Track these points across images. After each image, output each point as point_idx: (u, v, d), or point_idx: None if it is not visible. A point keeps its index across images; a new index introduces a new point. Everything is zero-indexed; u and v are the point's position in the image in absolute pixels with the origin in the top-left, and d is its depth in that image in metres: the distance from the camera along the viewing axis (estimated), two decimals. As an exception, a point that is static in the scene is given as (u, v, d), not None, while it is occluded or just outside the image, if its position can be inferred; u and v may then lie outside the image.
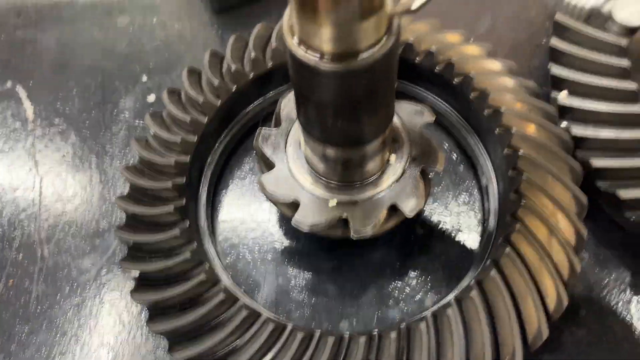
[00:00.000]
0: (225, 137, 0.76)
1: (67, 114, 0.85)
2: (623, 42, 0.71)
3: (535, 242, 0.60)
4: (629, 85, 0.69)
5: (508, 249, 0.59)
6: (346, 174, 0.62)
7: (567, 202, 0.63)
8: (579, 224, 0.62)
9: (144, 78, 0.87)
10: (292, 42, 0.47)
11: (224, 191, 0.76)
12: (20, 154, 0.82)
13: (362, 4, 0.40)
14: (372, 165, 0.62)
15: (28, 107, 0.85)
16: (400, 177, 0.63)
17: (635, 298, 0.66)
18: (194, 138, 0.70)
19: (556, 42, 0.76)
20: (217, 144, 0.76)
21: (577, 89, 0.72)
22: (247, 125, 0.79)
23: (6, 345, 0.67)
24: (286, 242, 0.72)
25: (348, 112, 0.51)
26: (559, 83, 0.74)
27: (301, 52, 0.46)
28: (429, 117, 0.67)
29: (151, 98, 0.85)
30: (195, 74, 0.76)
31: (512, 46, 0.86)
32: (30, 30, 0.94)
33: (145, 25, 0.92)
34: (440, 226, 0.72)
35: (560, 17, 0.77)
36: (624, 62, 0.70)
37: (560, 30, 0.77)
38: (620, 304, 0.66)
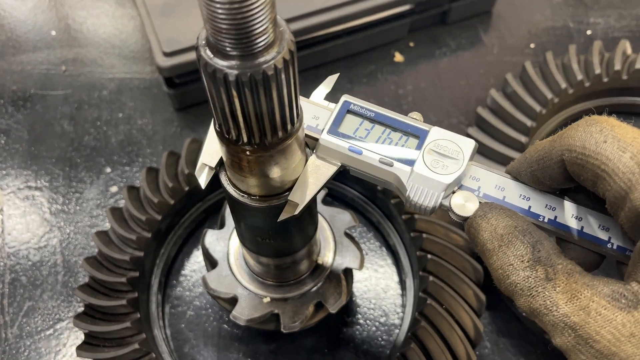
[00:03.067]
0: (178, 230, 0.86)
1: (36, 203, 0.93)
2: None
3: (438, 336, 0.71)
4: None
5: (413, 344, 0.69)
6: (278, 275, 0.72)
7: (469, 299, 0.74)
8: (476, 319, 0.73)
9: (108, 169, 0.96)
10: (224, 179, 0.57)
11: (174, 280, 0.85)
12: (-11, 239, 0.90)
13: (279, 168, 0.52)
14: (301, 267, 0.72)
15: (-1, 196, 0.94)
16: (327, 276, 0.74)
17: (527, 383, 0.76)
18: (148, 234, 0.79)
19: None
20: (170, 236, 0.85)
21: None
22: (198, 219, 0.89)
23: None
24: (228, 329, 0.81)
25: (276, 234, 0.62)
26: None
27: (231, 190, 0.56)
28: (353, 222, 0.78)
29: (114, 189, 0.95)
30: (153, 172, 0.86)
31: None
32: (3, 120, 1.03)
33: (112, 120, 1.02)
34: (364, 315, 0.82)
35: (472, 131, 0.91)
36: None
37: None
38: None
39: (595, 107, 0.97)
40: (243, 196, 0.56)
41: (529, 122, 0.87)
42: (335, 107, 0.58)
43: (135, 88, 1.07)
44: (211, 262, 0.76)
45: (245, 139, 0.48)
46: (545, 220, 0.53)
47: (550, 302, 0.44)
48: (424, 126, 0.57)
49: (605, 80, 0.93)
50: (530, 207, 0.54)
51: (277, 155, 0.51)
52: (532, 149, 0.53)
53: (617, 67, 0.92)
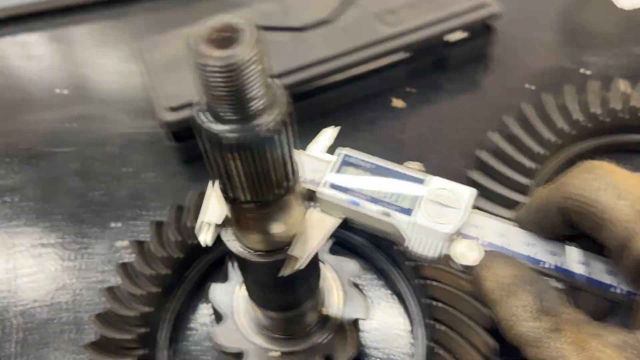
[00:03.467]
0: (185, 284, 0.86)
1: (46, 260, 0.94)
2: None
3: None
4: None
5: (423, 395, 0.69)
6: (286, 328, 0.72)
7: (479, 345, 0.74)
8: (487, 365, 0.72)
9: (116, 224, 0.98)
10: (226, 235, 0.58)
11: (182, 335, 0.85)
12: None
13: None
14: (307, 320, 0.72)
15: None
16: (334, 328, 0.74)
17: None
18: (157, 290, 0.80)
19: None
20: (176, 291, 0.86)
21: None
22: (204, 271, 0.89)
23: None
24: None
25: (281, 288, 0.62)
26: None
27: (234, 246, 0.57)
28: (358, 271, 0.78)
29: (121, 243, 0.96)
30: (159, 226, 0.87)
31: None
32: (15, 177, 1.06)
33: (119, 175, 1.04)
34: (373, 364, 0.81)
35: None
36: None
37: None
38: None
39: (598, 145, 0.98)
40: (246, 251, 0.57)
41: (529, 164, 0.88)
42: (333, 160, 0.60)
43: (142, 142, 1.09)
44: (218, 316, 0.77)
45: (242, 198, 0.49)
46: (550, 266, 0.53)
47: (557, 353, 0.44)
48: (423, 176, 0.58)
49: (603, 119, 0.94)
50: (534, 253, 0.54)
51: (276, 211, 0.52)
52: (535, 196, 0.54)
53: (615, 105, 0.93)
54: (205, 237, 0.58)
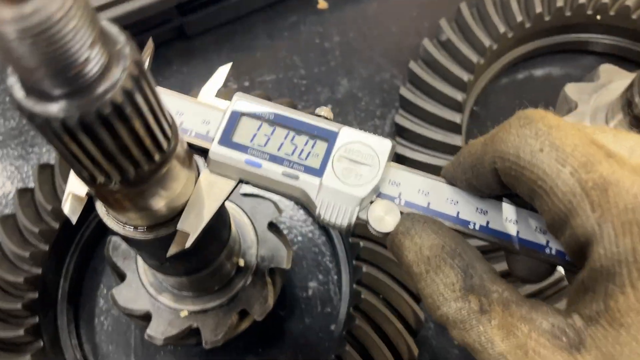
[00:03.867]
0: (82, 238, 0.76)
1: None
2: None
3: (375, 331, 0.65)
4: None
5: (347, 346, 0.64)
6: (195, 286, 0.64)
7: (407, 283, 0.69)
8: (415, 305, 0.67)
9: None
10: (104, 215, 0.48)
11: (86, 292, 0.76)
12: None
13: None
14: (219, 275, 0.64)
15: None
16: (249, 280, 0.66)
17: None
18: (46, 247, 0.70)
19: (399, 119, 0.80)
20: (72, 246, 0.75)
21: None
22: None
23: None
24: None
25: (179, 257, 0.53)
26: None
27: (115, 226, 0.47)
28: (276, 212, 0.70)
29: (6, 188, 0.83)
30: (48, 169, 0.75)
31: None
32: None
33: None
34: (300, 309, 0.76)
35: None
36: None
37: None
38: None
39: (537, 48, 0.89)
40: (125, 228, 0.47)
41: (465, 76, 0.78)
42: (226, 110, 0.49)
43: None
44: (119, 275, 0.68)
45: (102, 181, 0.38)
46: (477, 227, 0.46)
47: (485, 338, 0.38)
48: (333, 127, 0.48)
49: (547, 19, 0.84)
50: (458, 212, 0.46)
51: (152, 187, 0.42)
52: (465, 152, 0.45)
53: (560, 3, 0.83)
54: (71, 212, 0.47)
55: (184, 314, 0.64)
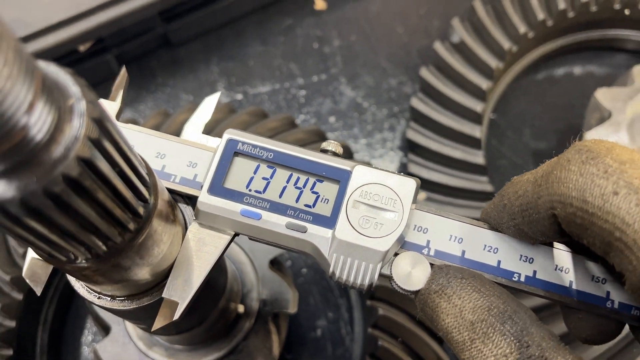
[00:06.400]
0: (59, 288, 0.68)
1: None
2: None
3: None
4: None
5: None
6: (190, 341, 0.56)
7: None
8: (439, 350, 0.60)
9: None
10: (79, 287, 0.40)
11: (68, 346, 0.68)
12: None
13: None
14: (216, 328, 0.56)
15: None
16: (251, 329, 0.58)
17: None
18: (19, 296, 0.61)
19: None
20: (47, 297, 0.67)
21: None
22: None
23: None
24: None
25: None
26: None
27: (92, 298, 0.39)
28: (277, 249, 0.62)
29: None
30: None
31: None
32: None
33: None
34: (308, 351, 0.68)
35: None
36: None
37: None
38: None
39: (559, 47, 0.81)
40: (100, 298, 0.39)
41: (484, 84, 0.70)
42: (217, 149, 0.40)
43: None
44: (103, 327, 0.60)
45: (64, 259, 0.31)
46: (522, 279, 0.39)
47: None
48: (345, 165, 0.40)
49: (571, 15, 0.76)
50: (499, 262, 0.39)
51: (128, 258, 0.34)
52: (509, 192, 0.37)
53: (585, -2, 0.75)
54: (34, 282, 0.39)
55: (177, 371, 0.57)
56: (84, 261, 0.31)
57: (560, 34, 0.79)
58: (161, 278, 0.39)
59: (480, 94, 0.70)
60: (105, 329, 0.59)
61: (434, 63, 0.75)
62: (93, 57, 0.80)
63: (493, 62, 0.71)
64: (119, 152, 0.28)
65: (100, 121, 0.25)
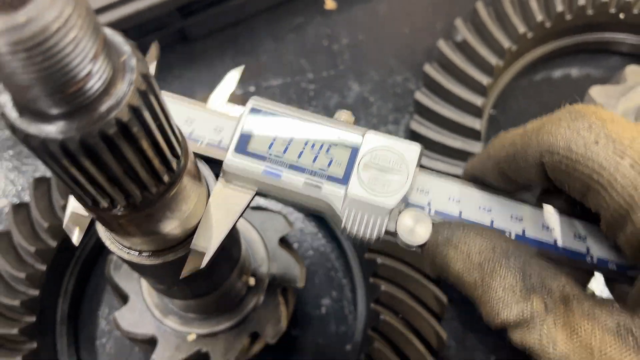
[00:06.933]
0: (80, 258, 0.72)
1: None
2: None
3: (394, 353, 0.61)
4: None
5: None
6: (203, 309, 0.60)
7: (428, 302, 0.65)
8: (437, 325, 0.63)
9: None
10: (108, 241, 0.43)
11: (86, 314, 0.72)
12: None
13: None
14: (229, 298, 0.60)
15: None
16: (260, 300, 0.62)
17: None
18: (43, 267, 0.65)
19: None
20: (70, 266, 0.71)
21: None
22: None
23: None
24: (156, 360, 0.69)
25: (187, 282, 0.49)
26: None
27: (119, 252, 0.43)
28: (287, 227, 0.66)
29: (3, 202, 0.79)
30: (44, 184, 0.70)
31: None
32: None
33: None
34: (313, 328, 0.71)
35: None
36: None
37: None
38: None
39: (557, 48, 0.85)
40: (129, 253, 0.43)
41: (485, 80, 0.74)
42: (241, 116, 0.44)
43: None
44: (122, 296, 0.63)
45: (105, 205, 0.34)
46: (512, 235, 0.43)
47: (546, 338, 0.36)
48: (357, 131, 0.44)
49: (569, 17, 0.80)
50: (492, 221, 0.44)
51: (160, 210, 0.38)
52: (497, 144, 0.43)
53: (582, 2, 0.79)
54: (74, 233, 0.43)
55: (191, 337, 0.60)
56: (121, 209, 0.35)
57: (558, 36, 0.83)
58: (186, 235, 0.42)
59: (481, 89, 0.74)
60: (123, 299, 0.63)
61: (438, 60, 0.79)
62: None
63: (493, 60, 0.76)
64: (160, 107, 0.32)
65: (146, 76, 0.29)
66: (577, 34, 0.84)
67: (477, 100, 0.73)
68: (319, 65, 0.86)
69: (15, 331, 0.61)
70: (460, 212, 0.43)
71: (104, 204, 0.34)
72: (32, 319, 0.63)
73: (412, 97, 0.78)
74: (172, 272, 0.45)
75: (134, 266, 0.45)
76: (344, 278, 0.74)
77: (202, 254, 0.42)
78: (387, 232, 0.42)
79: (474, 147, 0.72)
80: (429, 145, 0.74)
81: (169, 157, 0.35)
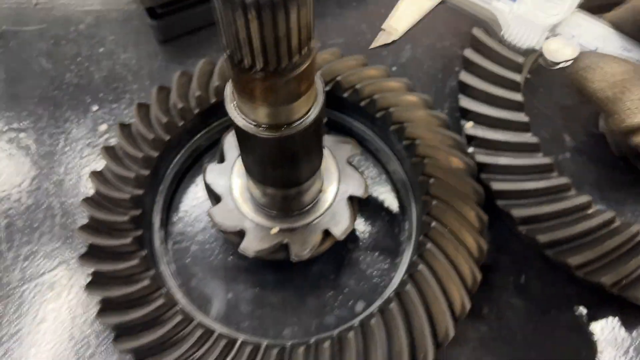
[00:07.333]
0: (174, 167, 0.84)
1: (22, 145, 0.90)
2: (518, 78, 0.84)
3: (444, 257, 0.72)
4: (522, 117, 0.82)
5: (421, 265, 0.71)
6: (285, 206, 0.72)
7: (472, 220, 0.76)
8: (480, 239, 0.74)
9: (95, 107, 0.93)
10: (232, 110, 0.55)
11: (175, 217, 0.84)
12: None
13: (292, 95, 0.50)
14: (308, 197, 0.72)
15: (-17, 139, 0.90)
16: (332, 204, 0.74)
17: (525, 297, 0.79)
18: (146, 172, 0.78)
19: (464, 77, 0.87)
20: (167, 173, 0.84)
21: (480, 120, 0.84)
22: (193, 155, 0.87)
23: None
24: (234, 261, 0.81)
25: (285, 164, 0.61)
26: (466, 113, 0.86)
27: (240, 121, 0.55)
28: (355, 150, 0.78)
29: (103, 127, 0.92)
30: (144, 108, 0.83)
31: (430, 75, 0.97)
32: (-24, 59, 0.98)
33: (92, 55, 0.98)
34: (367, 242, 0.83)
35: (468, 52, 0.89)
36: (518, 97, 0.83)
37: (468, 65, 0.89)
38: (513, 302, 0.79)
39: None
40: (248, 124, 0.55)
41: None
42: None
43: (114, 20, 1.02)
44: (215, 197, 0.76)
45: (259, 66, 0.46)
46: None
47: None
48: None
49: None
50: (629, 58, 0.54)
51: (292, 81, 0.49)
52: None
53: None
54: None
55: (274, 231, 0.72)
56: (260, 73, 0.47)
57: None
58: (299, 117, 0.54)
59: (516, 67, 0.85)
60: (216, 199, 0.75)
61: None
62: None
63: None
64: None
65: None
66: None
67: (518, 58, 0.85)
68: (376, 29, 0.98)
69: (125, 218, 0.73)
70: (599, 48, 0.54)
71: (259, 65, 0.46)
72: (138, 212, 0.75)
73: (461, 55, 0.89)
74: (283, 147, 0.57)
75: (250, 140, 0.56)
76: (395, 199, 0.85)
77: (391, 34, 0.53)
78: (533, 52, 0.53)
79: (515, 96, 0.82)
80: (475, 94, 0.85)
81: (311, 32, 0.47)
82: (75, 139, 0.91)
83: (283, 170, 0.62)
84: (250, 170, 0.66)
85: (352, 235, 0.83)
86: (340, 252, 0.82)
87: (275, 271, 0.81)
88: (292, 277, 0.80)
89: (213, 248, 0.82)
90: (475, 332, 0.77)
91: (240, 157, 0.75)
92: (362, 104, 0.84)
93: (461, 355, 0.76)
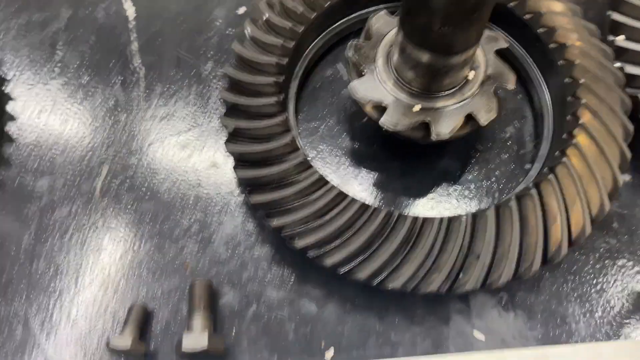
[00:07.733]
0: (314, 47, 0.85)
1: (165, 23, 0.93)
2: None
3: (586, 158, 0.70)
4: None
5: (564, 159, 0.69)
6: (431, 83, 0.71)
7: (616, 128, 0.73)
8: (624, 146, 0.72)
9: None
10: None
11: (308, 94, 0.86)
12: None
13: None
14: (454, 78, 0.71)
15: (129, 7, 0.94)
16: (477, 92, 0.73)
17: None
18: (292, 43, 0.79)
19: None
20: (307, 51, 0.85)
21: (633, 35, 0.81)
22: (332, 40, 0.88)
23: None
24: (360, 147, 0.82)
25: (454, 19, 0.60)
26: (616, 28, 0.83)
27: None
28: (503, 44, 0.76)
29: (241, 10, 0.94)
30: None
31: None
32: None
33: None
34: (497, 144, 0.82)
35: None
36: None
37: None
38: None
39: None
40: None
41: None
42: None
43: None
44: (357, 72, 0.76)
45: None
46: None
47: None
48: None
49: None
50: None
51: None
52: None
53: None
54: None
55: (417, 108, 0.72)
56: None
57: None
58: None
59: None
60: (358, 75, 0.75)
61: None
62: None
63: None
64: None
65: None
66: None
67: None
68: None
69: (271, 80, 0.75)
70: None
71: None
72: (281, 78, 0.77)
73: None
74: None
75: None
76: (525, 117, 0.84)
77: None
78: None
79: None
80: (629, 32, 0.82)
81: None
82: (216, 18, 0.93)
83: (449, 26, 0.61)
84: (412, 31, 0.65)
85: (481, 136, 0.82)
86: (468, 152, 0.81)
87: (400, 160, 0.81)
88: (416, 167, 0.80)
89: (341, 131, 0.83)
90: (604, 243, 0.75)
91: (387, 35, 0.75)
92: (511, 5, 0.82)
93: (586, 264, 0.74)
